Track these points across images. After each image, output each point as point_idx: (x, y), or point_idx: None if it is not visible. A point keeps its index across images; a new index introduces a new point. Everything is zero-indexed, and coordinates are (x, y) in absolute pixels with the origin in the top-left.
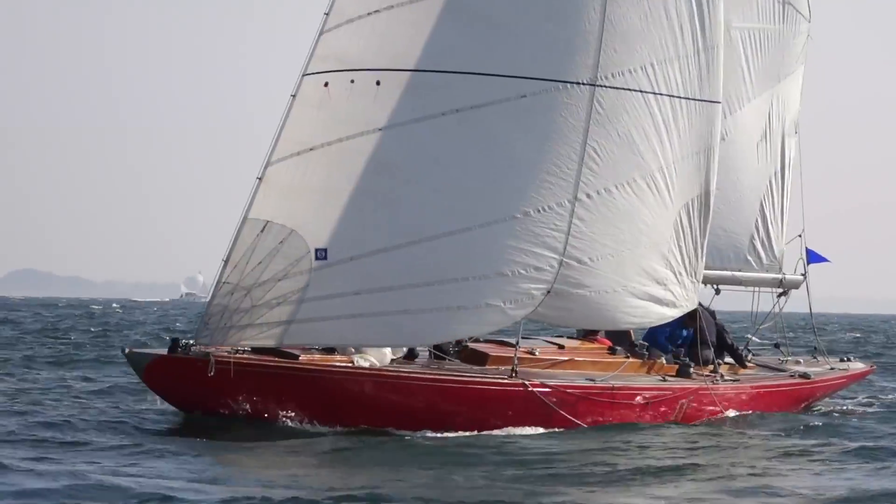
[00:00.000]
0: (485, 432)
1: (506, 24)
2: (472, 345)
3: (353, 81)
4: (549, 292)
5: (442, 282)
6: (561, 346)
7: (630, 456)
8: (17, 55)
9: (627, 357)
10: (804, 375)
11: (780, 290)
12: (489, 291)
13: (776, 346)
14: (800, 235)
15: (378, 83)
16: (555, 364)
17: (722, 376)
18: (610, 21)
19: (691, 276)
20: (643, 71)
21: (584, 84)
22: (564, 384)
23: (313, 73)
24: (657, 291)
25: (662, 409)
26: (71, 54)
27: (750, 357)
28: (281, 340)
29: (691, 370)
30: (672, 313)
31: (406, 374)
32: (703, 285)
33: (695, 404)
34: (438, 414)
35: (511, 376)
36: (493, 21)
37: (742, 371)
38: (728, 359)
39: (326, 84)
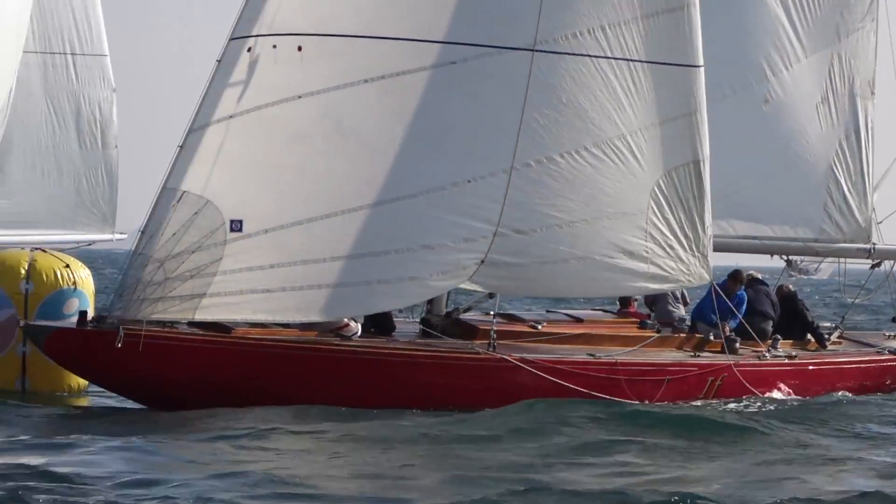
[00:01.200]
0: (466, 408)
1: None
2: (464, 317)
3: (275, 47)
4: (482, 262)
5: (362, 255)
6: (578, 320)
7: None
8: None
9: (658, 332)
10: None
11: (874, 262)
12: (413, 265)
13: (894, 319)
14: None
15: (300, 48)
16: (562, 339)
17: (770, 351)
18: None
19: (692, 248)
20: (592, 34)
21: (521, 49)
22: (551, 359)
23: (238, 38)
24: (632, 264)
25: (684, 386)
26: None
27: (836, 333)
28: (193, 315)
29: (738, 345)
30: (662, 287)
31: (354, 348)
32: (769, 256)
33: (731, 381)
34: (400, 389)
35: (489, 350)
36: None
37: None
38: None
39: (249, 49)
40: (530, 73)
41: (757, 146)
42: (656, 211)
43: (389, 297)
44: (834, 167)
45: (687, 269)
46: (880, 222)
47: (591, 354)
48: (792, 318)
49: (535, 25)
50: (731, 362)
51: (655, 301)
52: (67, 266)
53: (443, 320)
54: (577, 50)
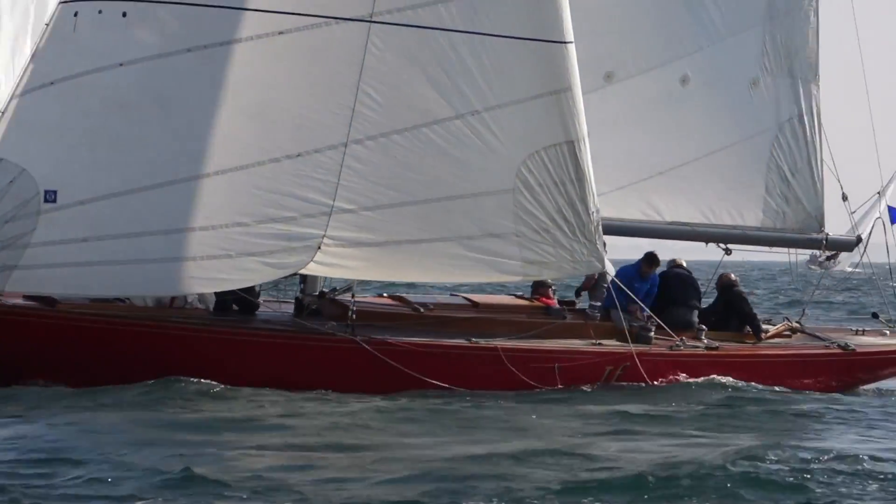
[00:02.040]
0: (316, 391)
1: None
2: (339, 298)
3: (100, 12)
4: (319, 247)
5: (180, 230)
6: (474, 304)
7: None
8: None
9: (564, 318)
10: (844, 346)
11: (828, 253)
12: (238, 242)
13: (874, 315)
14: (878, 193)
15: (124, 14)
16: (447, 322)
17: (683, 341)
18: None
19: (574, 234)
20: (438, 6)
21: (355, 20)
22: (418, 342)
23: (67, 2)
24: (500, 248)
25: (578, 374)
26: None
27: (781, 325)
28: (3, 287)
29: (651, 334)
30: (543, 273)
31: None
32: (704, 244)
33: (633, 371)
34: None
35: (348, 332)
36: None
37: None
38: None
39: (76, 14)
40: (367, 46)
41: (683, 127)
42: (525, 193)
43: (214, 276)
44: (774, 152)
45: (571, 256)
46: (854, 212)
47: (473, 340)
48: (730, 309)
49: None
50: (633, 351)
51: (594, 288)
52: None
53: (316, 300)
54: (420, 22)
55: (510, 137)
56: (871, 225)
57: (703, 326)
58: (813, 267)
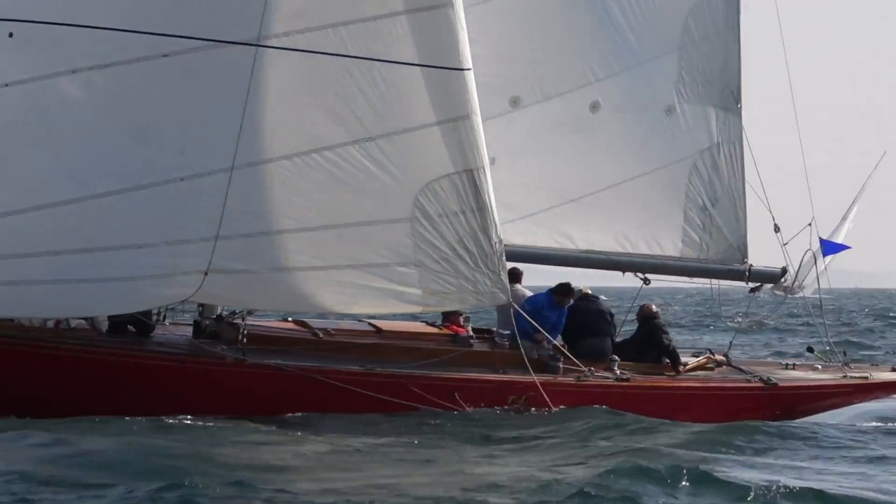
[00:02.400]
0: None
1: None
2: (237, 321)
3: None
4: (206, 273)
5: (62, 252)
6: (378, 330)
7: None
8: None
9: (470, 346)
10: (765, 381)
11: (753, 285)
12: (123, 266)
13: (809, 349)
14: (809, 225)
15: (11, 35)
16: (347, 348)
17: (591, 371)
18: None
19: (477, 265)
20: (326, 31)
21: (241, 44)
22: (312, 366)
23: None
24: (397, 278)
25: (480, 402)
26: None
27: (701, 358)
28: None
29: (560, 364)
30: (444, 305)
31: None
32: (621, 272)
33: (537, 400)
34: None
35: (238, 356)
36: None
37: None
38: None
39: None
40: (252, 70)
41: (594, 154)
42: (423, 222)
43: (98, 300)
44: (692, 182)
45: (474, 287)
46: (786, 243)
47: (367, 367)
48: (649, 340)
49: (260, 19)
50: (537, 380)
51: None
52: None
53: (214, 323)
54: (310, 46)
55: (406, 165)
56: (801, 256)
57: (616, 357)
58: (778, 293)
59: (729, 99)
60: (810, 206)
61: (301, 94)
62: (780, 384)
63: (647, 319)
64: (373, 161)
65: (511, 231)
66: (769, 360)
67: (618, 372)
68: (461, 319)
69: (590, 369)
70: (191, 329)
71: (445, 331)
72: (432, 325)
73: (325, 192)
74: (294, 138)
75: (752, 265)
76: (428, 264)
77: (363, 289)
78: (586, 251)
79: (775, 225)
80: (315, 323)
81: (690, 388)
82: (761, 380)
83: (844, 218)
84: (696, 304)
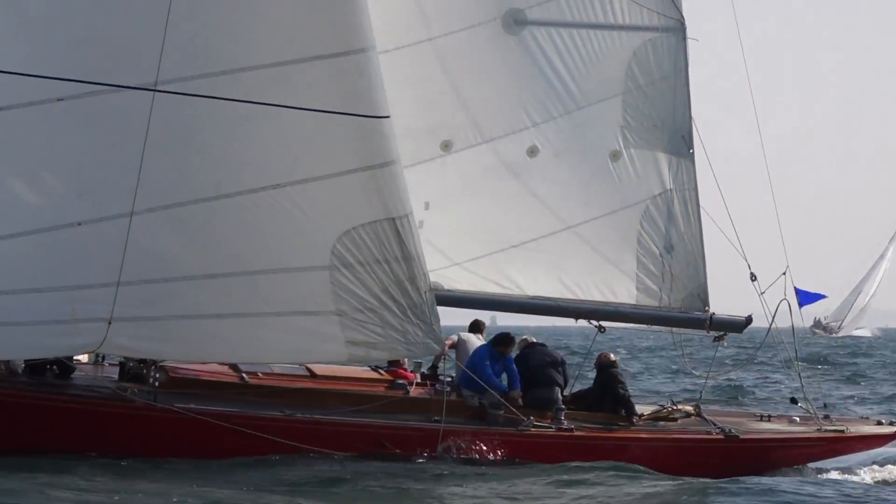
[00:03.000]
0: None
1: (44, 18)
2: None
3: None
4: (110, 322)
5: None
6: (312, 374)
7: None
8: None
9: (406, 392)
10: (727, 433)
11: (716, 333)
12: (16, 310)
13: (792, 401)
14: (783, 274)
15: None
16: (269, 393)
17: (531, 421)
18: (180, 17)
19: (406, 315)
20: (232, 76)
21: (138, 89)
22: (215, 411)
23: None
24: (319, 327)
25: (411, 451)
26: None
27: (652, 410)
28: None
29: (500, 413)
30: (371, 355)
31: None
32: (574, 320)
33: (471, 450)
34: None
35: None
36: (29, 15)
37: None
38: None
39: None
40: (150, 115)
41: (534, 199)
42: (343, 270)
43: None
44: (644, 229)
45: (404, 338)
46: (763, 292)
47: (283, 412)
48: (606, 389)
49: (157, 64)
50: (472, 430)
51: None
52: None
53: (138, 365)
54: (209, 92)
55: (321, 213)
56: (776, 306)
57: (562, 406)
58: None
59: (680, 144)
60: (784, 253)
61: (200, 140)
62: (742, 437)
63: (603, 368)
64: (283, 208)
65: (452, 276)
66: (747, 410)
67: (564, 422)
68: (406, 363)
69: (529, 419)
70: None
71: (385, 376)
72: (375, 369)
73: (234, 238)
74: (196, 184)
75: (713, 313)
76: (350, 314)
77: (281, 337)
78: (534, 297)
79: (752, 273)
80: (248, 367)
81: (643, 439)
82: (723, 432)
83: (882, 256)
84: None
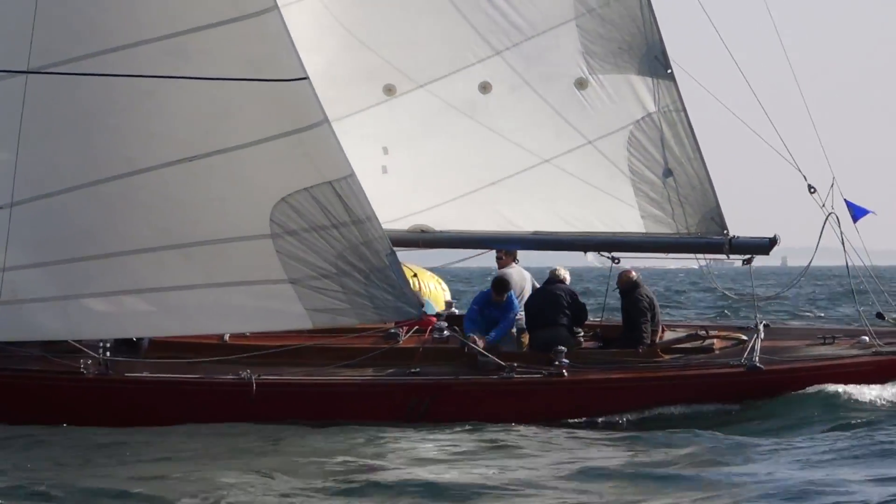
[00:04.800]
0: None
1: None
2: None
3: None
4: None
5: None
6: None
7: None
8: None
9: (397, 342)
10: (751, 367)
11: (744, 257)
12: None
13: (879, 315)
14: (812, 190)
15: None
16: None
17: (512, 367)
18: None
19: (370, 280)
20: (123, 53)
21: (12, 72)
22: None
23: None
24: (273, 294)
25: (372, 406)
26: None
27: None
28: None
29: (489, 359)
30: (333, 320)
31: None
32: (584, 254)
33: (444, 402)
34: None
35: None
36: None
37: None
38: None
39: None
40: (25, 99)
41: (500, 136)
42: (288, 238)
43: None
44: (632, 156)
45: (371, 303)
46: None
47: (238, 375)
48: (629, 316)
49: (46, 46)
50: (447, 380)
51: None
52: (415, 275)
53: None
54: (102, 70)
55: (246, 182)
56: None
57: (561, 348)
58: None
59: (655, 65)
60: (827, 164)
61: (102, 119)
62: (767, 369)
63: (625, 293)
64: (202, 180)
65: (440, 217)
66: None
67: (562, 364)
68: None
69: (511, 365)
70: None
71: (387, 324)
72: None
73: (158, 212)
74: (107, 161)
75: (733, 235)
76: (305, 281)
77: (232, 308)
78: (537, 232)
79: (809, 186)
80: None
81: (648, 378)
82: (746, 366)
83: None
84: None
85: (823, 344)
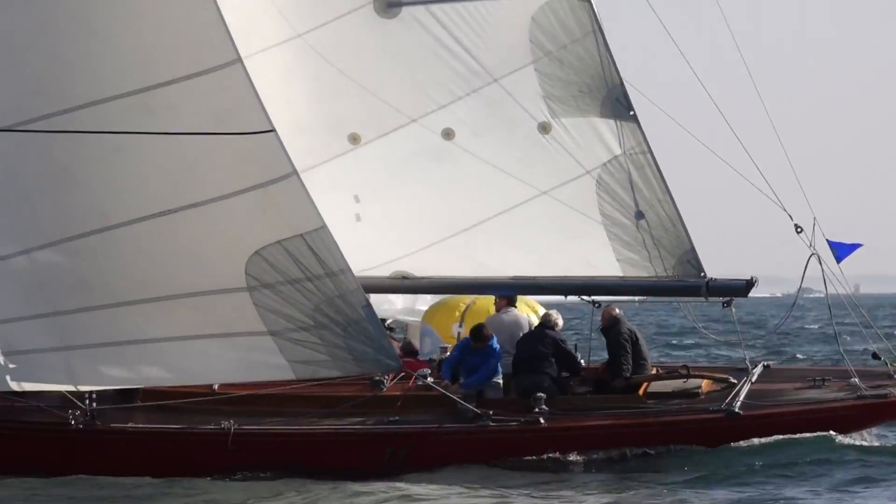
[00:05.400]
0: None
1: None
2: None
3: None
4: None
5: None
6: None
7: None
8: None
9: (381, 390)
10: (728, 412)
11: (723, 299)
12: None
13: (874, 356)
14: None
15: None
16: (245, 399)
17: (487, 416)
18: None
19: (348, 332)
20: (86, 109)
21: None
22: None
23: None
24: (256, 345)
25: (350, 456)
26: None
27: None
28: None
29: (469, 407)
30: (315, 373)
31: None
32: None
33: (423, 452)
34: None
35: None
36: None
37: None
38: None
39: None
40: (19, 156)
41: (467, 182)
42: (265, 291)
43: None
44: (601, 197)
45: (351, 356)
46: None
47: (218, 426)
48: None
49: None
50: (423, 429)
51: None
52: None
53: None
54: (70, 127)
55: (219, 237)
56: (805, 262)
57: (540, 395)
58: None
59: (617, 107)
60: (806, 204)
61: (73, 174)
62: (745, 414)
63: (607, 330)
64: (175, 235)
65: (418, 263)
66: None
67: (539, 412)
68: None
69: (487, 413)
70: None
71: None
72: None
73: (137, 266)
74: (81, 217)
75: (711, 278)
76: (285, 333)
77: (216, 359)
78: (516, 277)
79: (796, 225)
80: None
81: (607, 425)
82: (724, 411)
83: None
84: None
85: (812, 387)
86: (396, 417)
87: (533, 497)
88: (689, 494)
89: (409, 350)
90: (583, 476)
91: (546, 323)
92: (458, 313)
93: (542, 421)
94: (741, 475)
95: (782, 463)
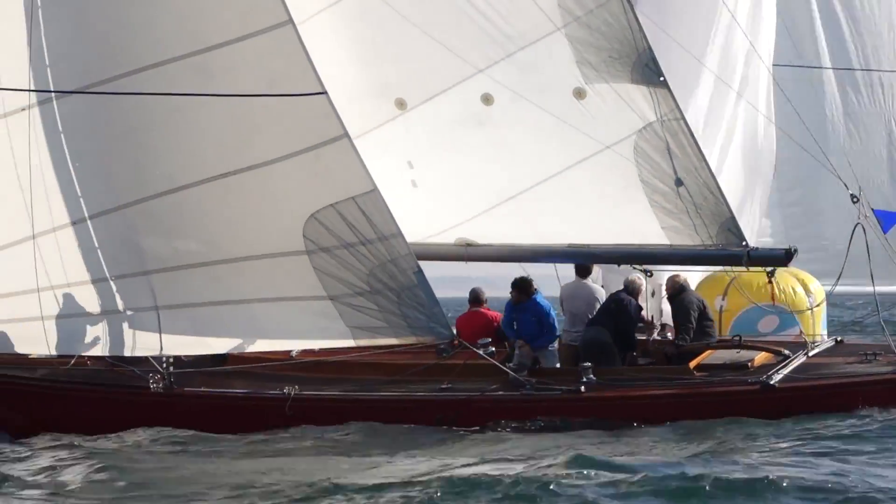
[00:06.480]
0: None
1: None
2: None
3: None
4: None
5: None
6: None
7: None
8: None
9: (444, 357)
10: (764, 384)
11: (768, 269)
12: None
13: None
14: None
15: None
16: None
17: (531, 382)
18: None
19: (402, 299)
20: (149, 71)
21: (65, 93)
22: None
23: None
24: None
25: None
26: None
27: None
28: None
29: (522, 376)
30: (372, 339)
31: None
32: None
33: (466, 419)
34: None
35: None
36: None
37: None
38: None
39: None
40: (87, 118)
41: (507, 149)
42: (323, 255)
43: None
44: (640, 164)
45: (406, 322)
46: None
47: (284, 391)
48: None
49: (81, 68)
50: (468, 397)
51: None
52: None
53: None
54: (134, 88)
55: (276, 199)
56: (850, 233)
57: (588, 364)
58: None
59: (648, 73)
60: (851, 171)
61: (138, 137)
62: (780, 386)
63: (672, 298)
64: (239, 196)
65: (479, 230)
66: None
67: (586, 379)
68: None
69: (530, 381)
70: None
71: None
72: None
73: (207, 227)
74: (150, 179)
75: (751, 248)
76: (343, 298)
77: (281, 322)
78: (571, 245)
79: (852, 195)
80: None
81: (646, 395)
82: (760, 383)
83: None
84: None
85: (863, 361)
86: (448, 385)
87: (566, 469)
88: (715, 466)
89: None
90: (621, 446)
91: (625, 287)
92: (723, 286)
93: (583, 390)
94: (770, 449)
95: (816, 436)
